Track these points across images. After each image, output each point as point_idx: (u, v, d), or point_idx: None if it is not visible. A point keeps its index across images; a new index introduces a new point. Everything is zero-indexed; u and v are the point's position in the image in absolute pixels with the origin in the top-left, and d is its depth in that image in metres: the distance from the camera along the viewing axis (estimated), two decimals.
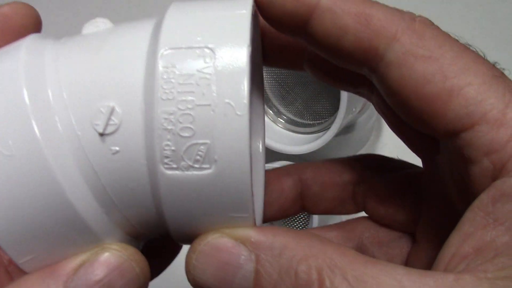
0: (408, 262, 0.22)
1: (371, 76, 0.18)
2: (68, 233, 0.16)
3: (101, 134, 0.16)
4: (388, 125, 0.22)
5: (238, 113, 0.15)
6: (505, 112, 0.15)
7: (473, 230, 0.15)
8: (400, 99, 0.17)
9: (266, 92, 0.51)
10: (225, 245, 0.16)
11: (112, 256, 0.16)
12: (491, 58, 0.17)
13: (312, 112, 0.50)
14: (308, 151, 0.44)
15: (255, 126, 0.23)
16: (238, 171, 0.15)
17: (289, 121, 0.50)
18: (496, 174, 0.15)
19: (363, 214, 0.24)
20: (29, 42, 0.17)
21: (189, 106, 0.15)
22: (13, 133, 0.15)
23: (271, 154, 0.49)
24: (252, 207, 0.16)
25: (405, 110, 0.17)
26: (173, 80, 0.15)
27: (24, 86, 0.15)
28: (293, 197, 0.24)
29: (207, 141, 0.15)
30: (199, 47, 0.15)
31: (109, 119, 0.16)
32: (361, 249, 0.23)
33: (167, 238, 0.18)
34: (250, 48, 0.15)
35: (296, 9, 0.17)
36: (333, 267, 0.15)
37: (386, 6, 0.17)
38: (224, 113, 0.15)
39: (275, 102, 0.50)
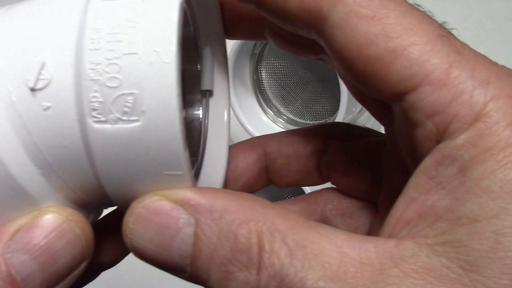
0: (370, 232, 0.22)
1: (319, 39, 0.17)
2: (3, 197, 0.16)
3: (32, 89, 0.15)
4: (349, 91, 0.21)
5: (165, 60, 0.14)
6: (449, 72, 0.15)
7: (416, 195, 0.15)
8: (345, 62, 0.16)
9: (266, 92, 0.51)
10: (163, 208, 0.16)
11: (50, 218, 0.16)
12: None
13: (312, 112, 0.50)
14: None
15: (219, 99, 0.22)
16: (167, 123, 0.15)
17: (289, 121, 0.50)
18: (440, 137, 0.15)
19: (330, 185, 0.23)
20: None
21: (116, 55, 0.15)
22: None
23: None
24: (187, 163, 0.15)
25: (352, 73, 0.16)
26: (101, 31, 0.15)
27: None
28: (258, 171, 0.23)
29: (135, 91, 0.15)
30: None
31: (39, 73, 0.15)
32: (325, 221, 0.23)
33: (116, 210, 0.18)
34: (181, 3, 0.15)
35: None
36: (274, 231, 0.15)
37: None
38: (150, 61, 0.14)
39: (275, 102, 0.50)
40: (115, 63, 0.15)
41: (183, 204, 0.16)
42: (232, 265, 0.15)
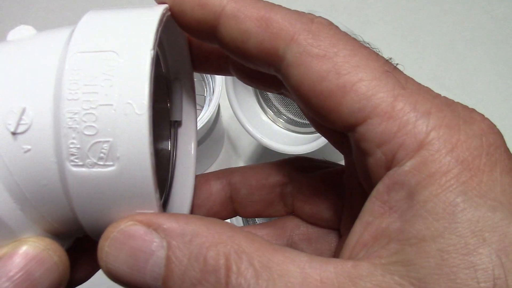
0: (334, 255, 0.23)
1: (278, 76, 0.18)
2: None
3: (13, 133, 0.16)
4: (310, 123, 0.22)
5: (138, 112, 0.16)
6: (394, 105, 0.16)
7: (372, 219, 0.16)
8: (301, 97, 0.17)
9: (266, 92, 0.51)
10: (137, 232, 0.16)
11: (30, 247, 0.17)
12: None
13: None
14: (308, 151, 0.44)
15: (186, 130, 0.24)
16: (140, 169, 0.16)
17: (289, 121, 0.50)
18: (389, 164, 0.16)
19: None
20: None
21: (93, 106, 0.16)
22: None
23: (271, 154, 0.49)
24: (158, 204, 0.17)
25: (308, 107, 0.18)
26: (79, 82, 0.16)
27: None
28: (222, 200, 0.24)
29: (110, 139, 0.16)
30: (105, 51, 0.16)
31: (20, 118, 0.16)
32: (292, 246, 0.24)
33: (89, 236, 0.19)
34: (153, 52, 0.16)
35: (204, 17, 0.18)
36: (241, 253, 0.16)
37: (287, 9, 0.18)
38: (124, 113, 0.16)
39: (275, 102, 0.50)
40: (91, 113, 0.16)
41: (156, 228, 0.16)
42: (202, 286, 0.16)
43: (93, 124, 0.16)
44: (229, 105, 0.46)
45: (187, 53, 0.22)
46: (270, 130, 0.49)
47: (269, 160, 0.51)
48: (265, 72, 0.19)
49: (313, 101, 0.17)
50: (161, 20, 0.17)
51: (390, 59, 0.18)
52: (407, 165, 0.16)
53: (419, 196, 0.15)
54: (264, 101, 0.50)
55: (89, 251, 0.18)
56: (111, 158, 0.16)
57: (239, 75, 0.22)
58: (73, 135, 0.16)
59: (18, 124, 0.16)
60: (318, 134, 0.45)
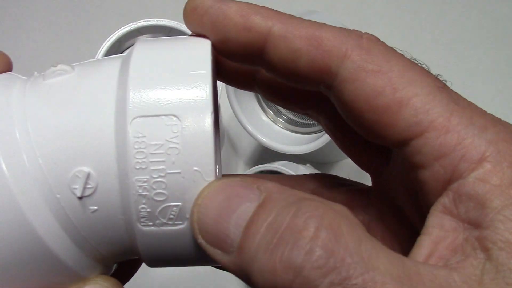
0: None
1: (328, 92, 0.19)
2: (54, 279, 0.18)
3: (80, 198, 0.17)
4: (337, 144, 0.22)
5: (206, 179, 0.17)
6: (451, 119, 0.17)
7: (443, 233, 0.16)
8: (354, 112, 0.18)
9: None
10: (238, 183, 0.17)
11: (97, 286, 0.18)
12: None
13: None
14: (308, 151, 0.44)
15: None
16: None
17: (289, 121, 0.50)
18: (448, 178, 0.16)
19: None
20: None
21: (161, 174, 0.17)
22: None
23: (271, 154, 0.49)
24: None
25: (360, 122, 0.18)
26: (144, 150, 0.17)
27: (1, 156, 0.17)
28: None
29: (179, 203, 0.17)
30: (166, 115, 0.17)
31: (86, 183, 0.17)
32: None
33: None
34: (213, 115, 0.17)
35: (250, 40, 0.18)
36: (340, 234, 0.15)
37: (334, 27, 0.18)
38: (193, 179, 0.17)
39: None
40: (161, 181, 0.17)
41: (257, 186, 0.17)
42: (282, 241, 0.15)
43: (163, 191, 0.17)
44: (229, 105, 0.46)
45: (215, 72, 0.23)
46: (270, 130, 0.49)
47: (269, 160, 0.50)
48: (311, 89, 0.19)
49: (367, 115, 0.17)
50: (212, 69, 0.18)
51: (438, 75, 0.18)
52: (472, 176, 0.16)
53: (491, 204, 0.15)
54: (264, 101, 0.50)
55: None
56: (180, 219, 0.17)
57: (266, 93, 0.22)
58: (143, 201, 0.17)
59: (84, 189, 0.17)
60: (318, 134, 0.45)
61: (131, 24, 0.45)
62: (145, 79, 0.17)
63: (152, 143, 0.17)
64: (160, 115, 0.17)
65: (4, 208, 0.16)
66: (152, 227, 0.17)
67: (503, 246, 0.15)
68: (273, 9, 0.19)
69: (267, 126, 0.49)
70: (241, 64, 0.20)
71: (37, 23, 0.59)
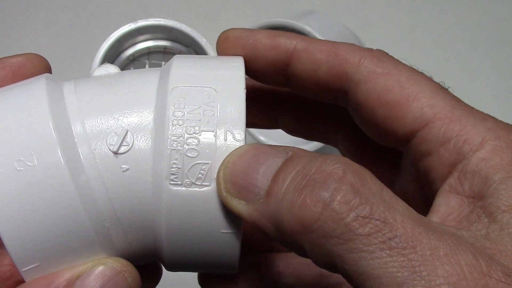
0: None
1: (345, 97, 0.21)
2: (74, 244, 0.18)
3: (115, 153, 0.18)
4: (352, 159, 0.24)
5: (237, 139, 0.18)
6: (453, 111, 0.19)
7: (450, 210, 0.18)
8: (368, 110, 0.20)
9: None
10: (266, 145, 0.18)
11: (107, 268, 0.18)
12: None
13: None
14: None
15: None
16: None
17: None
18: (453, 161, 0.18)
19: None
20: (47, 76, 0.19)
21: (196, 131, 0.18)
22: (36, 146, 0.17)
23: None
24: (241, 227, 0.18)
25: (373, 120, 0.20)
26: (183, 109, 0.18)
27: (48, 105, 0.18)
28: None
29: (209, 161, 0.18)
30: (204, 86, 0.18)
31: (123, 140, 0.18)
32: None
33: (152, 264, 0.20)
34: (245, 90, 0.18)
35: (277, 57, 0.21)
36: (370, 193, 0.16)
37: (348, 43, 0.21)
38: (224, 139, 0.18)
39: None
40: (195, 137, 0.18)
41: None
42: (308, 187, 0.16)
43: (195, 148, 0.18)
44: None
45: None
46: (270, 130, 0.49)
47: None
48: (329, 100, 0.22)
49: (379, 111, 0.20)
50: (244, 66, 0.20)
51: (441, 82, 0.20)
52: (475, 156, 0.18)
53: (493, 177, 0.17)
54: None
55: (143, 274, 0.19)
56: (208, 179, 0.18)
57: (288, 125, 0.26)
58: (176, 156, 0.18)
59: (120, 145, 0.18)
60: None
61: (131, 24, 0.45)
62: (186, 65, 0.19)
63: (190, 104, 0.18)
64: (199, 86, 0.18)
65: (43, 154, 0.17)
66: (180, 187, 0.18)
67: (506, 209, 0.16)
68: (295, 33, 0.21)
69: None
70: (267, 82, 0.22)
71: (37, 23, 0.59)
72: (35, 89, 0.18)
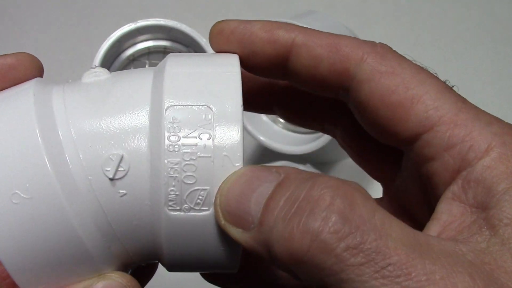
0: None
1: (345, 96, 0.20)
2: (74, 265, 0.18)
3: (111, 179, 0.18)
4: (351, 155, 0.24)
5: (235, 164, 0.17)
6: (459, 115, 0.18)
7: (452, 218, 0.17)
8: (370, 110, 0.19)
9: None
10: (259, 167, 0.18)
11: (112, 283, 0.18)
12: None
13: None
14: (308, 151, 0.44)
15: None
16: None
17: None
18: (456, 167, 0.18)
19: None
20: (35, 89, 0.18)
21: (193, 157, 0.17)
22: (30, 177, 0.17)
23: (271, 154, 0.49)
24: (241, 248, 0.18)
25: (375, 121, 0.19)
26: (178, 134, 0.17)
27: (38, 134, 0.17)
28: None
29: (207, 187, 0.17)
30: (199, 105, 0.18)
31: (118, 165, 0.18)
32: None
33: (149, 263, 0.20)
34: (242, 108, 0.18)
35: (275, 52, 0.20)
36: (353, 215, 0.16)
37: (351, 37, 0.20)
38: (222, 164, 0.17)
39: None
40: (191, 164, 0.17)
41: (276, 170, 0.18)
42: (299, 211, 0.16)
43: (193, 174, 0.17)
44: None
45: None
46: (270, 130, 0.49)
47: (269, 160, 0.50)
48: (329, 95, 0.21)
49: (382, 112, 0.19)
50: (240, 74, 0.19)
51: (446, 80, 0.20)
52: (480, 164, 0.17)
53: (497, 187, 0.17)
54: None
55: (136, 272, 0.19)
56: (207, 204, 0.18)
57: (284, 114, 0.24)
58: (173, 183, 0.17)
59: (116, 171, 0.18)
60: (318, 134, 0.45)
61: (131, 24, 0.45)
62: (180, 74, 0.19)
63: (185, 128, 0.17)
64: (194, 105, 0.18)
65: (39, 186, 0.17)
66: (179, 212, 0.17)
67: (508, 222, 0.16)
68: (294, 24, 0.20)
69: (267, 126, 0.49)
70: (266, 76, 0.21)
71: (37, 23, 0.59)
72: (24, 111, 0.18)
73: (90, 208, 0.18)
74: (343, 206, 0.15)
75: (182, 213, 0.17)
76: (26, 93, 0.18)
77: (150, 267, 0.24)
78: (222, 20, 0.21)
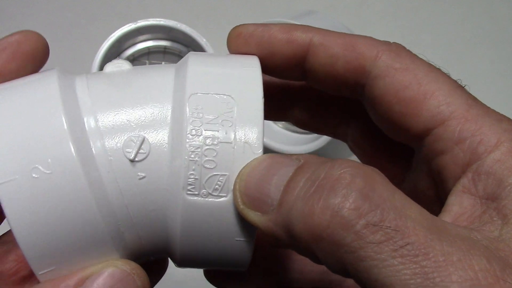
0: None
1: (361, 94, 0.21)
2: (87, 247, 0.18)
3: (131, 161, 0.18)
4: (360, 157, 0.24)
5: (255, 152, 0.18)
6: (469, 110, 0.18)
7: (463, 210, 0.18)
8: (384, 105, 0.20)
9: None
10: (279, 154, 0.18)
11: (117, 270, 0.18)
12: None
13: None
14: (308, 151, 0.44)
15: None
16: None
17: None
18: (467, 161, 0.18)
19: None
20: (59, 74, 0.19)
21: (214, 142, 0.18)
22: (52, 154, 0.17)
23: None
24: (255, 236, 0.18)
25: (388, 116, 0.20)
26: (201, 119, 0.18)
27: (63, 114, 0.17)
28: None
29: (227, 173, 0.18)
30: (223, 94, 0.18)
31: (140, 147, 0.18)
32: None
33: (158, 260, 0.20)
34: (263, 99, 0.18)
35: (293, 52, 0.21)
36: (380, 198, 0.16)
37: (365, 36, 0.21)
38: (243, 151, 0.18)
39: None
40: (212, 149, 0.18)
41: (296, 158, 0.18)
42: (316, 194, 0.16)
43: (213, 159, 0.18)
44: None
45: None
46: (270, 130, 0.49)
47: None
48: (346, 94, 0.21)
49: (395, 107, 0.19)
50: (261, 70, 0.19)
51: (458, 80, 0.20)
52: (490, 157, 0.18)
53: (508, 179, 0.17)
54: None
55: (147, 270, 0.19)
56: (225, 190, 0.18)
57: (298, 122, 0.25)
58: (193, 167, 0.17)
59: (137, 153, 0.18)
60: (318, 134, 0.45)
61: (131, 24, 0.45)
62: (202, 66, 0.19)
63: (208, 114, 0.18)
64: (216, 94, 0.18)
65: (60, 162, 0.17)
66: (197, 197, 0.18)
67: None
68: (310, 26, 0.21)
69: (267, 126, 0.49)
70: (284, 77, 0.22)
71: (37, 23, 0.59)
72: (49, 93, 0.18)
73: (109, 189, 0.18)
74: (363, 185, 0.16)
75: (200, 198, 0.18)
76: (50, 76, 0.19)
77: (159, 267, 0.24)
78: (240, 25, 0.21)
